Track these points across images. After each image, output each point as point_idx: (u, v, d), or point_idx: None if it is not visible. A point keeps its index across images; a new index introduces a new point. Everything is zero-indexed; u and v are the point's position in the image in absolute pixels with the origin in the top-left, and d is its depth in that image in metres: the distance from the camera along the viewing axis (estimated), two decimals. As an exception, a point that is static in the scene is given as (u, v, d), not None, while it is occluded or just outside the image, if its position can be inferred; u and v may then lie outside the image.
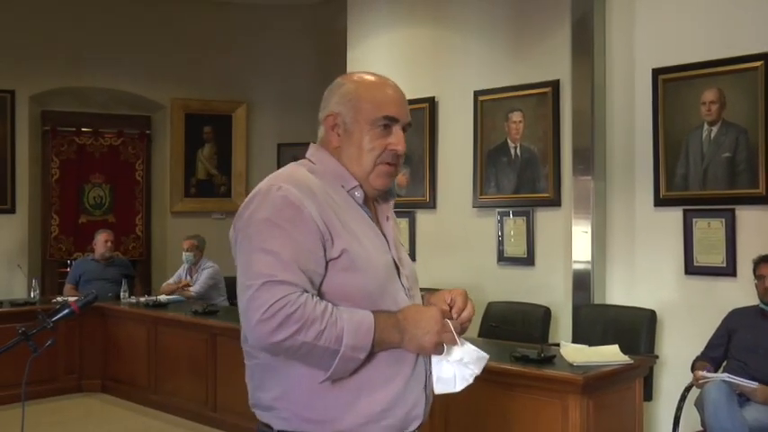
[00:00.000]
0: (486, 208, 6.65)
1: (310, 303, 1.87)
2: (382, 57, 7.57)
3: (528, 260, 6.38)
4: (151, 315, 7.10)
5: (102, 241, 8.08)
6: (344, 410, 1.96)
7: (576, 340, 5.39)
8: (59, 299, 7.48)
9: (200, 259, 7.93)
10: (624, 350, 4.53)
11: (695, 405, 4.62)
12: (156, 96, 9.54)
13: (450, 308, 2.08)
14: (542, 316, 5.85)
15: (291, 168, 2.12)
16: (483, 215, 6.68)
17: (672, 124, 5.55)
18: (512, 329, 5.55)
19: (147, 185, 9.77)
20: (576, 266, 5.92)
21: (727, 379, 4.44)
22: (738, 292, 5.10)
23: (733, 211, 5.27)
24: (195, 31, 9.57)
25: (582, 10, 5.96)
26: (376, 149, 2.09)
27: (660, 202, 5.61)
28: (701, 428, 4.58)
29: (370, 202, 2.18)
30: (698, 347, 4.93)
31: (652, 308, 5.45)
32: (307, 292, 1.90)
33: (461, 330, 2.07)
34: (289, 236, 1.92)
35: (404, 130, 2.14)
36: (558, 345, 4.83)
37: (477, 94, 6.71)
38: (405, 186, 7.02)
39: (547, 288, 6.19)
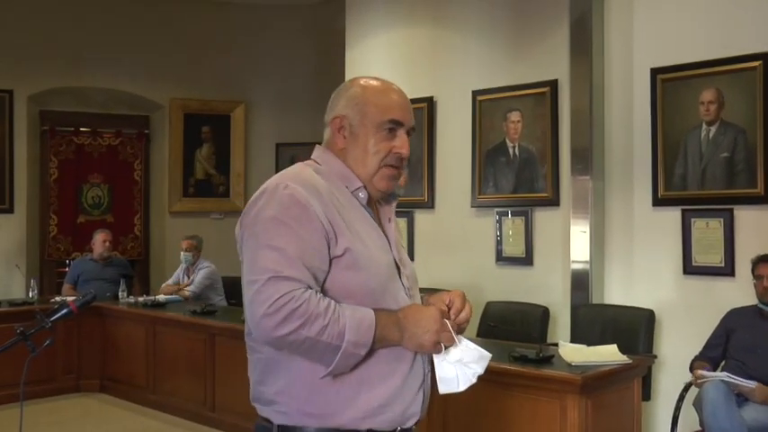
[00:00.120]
0: (485, 208, 6.65)
1: (314, 299, 1.92)
2: (381, 57, 7.57)
3: (526, 260, 6.38)
4: (149, 315, 7.10)
5: (100, 241, 8.08)
6: (344, 405, 2.01)
7: (574, 340, 5.39)
8: (58, 299, 7.47)
9: (197, 259, 7.92)
10: (622, 350, 4.53)
11: (693, 405, 4.62)
12: (154, 96, 9.54)
13: (449, 309, 2.10)
14: (541, 316, 5.86)
15: (298, 168, 2.16)
16: (481, 215, 6.68)
17: (670, 124, 5.55)
18: (510, 329, 5.55)
19: (146, 185, 9.76)
20: (575, 266, 5.92)
21: (727, 378, 4.44)
22: (737, 292, 5.10)
23: (731, 210, 5.27)
24: (194, 30, 9.57)
25: (580, 10, 5.96)
26: (381, 152, 2.14)
27: (658, 201, 5.61)
28: (699, 428, 4.59)
29: (373, 204, 2.22)
30: (696, 347, 4.93)
31: (650, 308, 5.45)
32: (311, 288, 1.94)
33: (458, 331, 2.09)
34: (295, 233, 1.96)
35: (408, 134, 2.19)
36: (556, 345, 4.84)
37: (475, 93, 6.71)
38: (403, 186, 7.01)
39: (545, 288, 6.19)
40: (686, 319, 5.43)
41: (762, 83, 5.13)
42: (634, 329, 5.35)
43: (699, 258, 5.41)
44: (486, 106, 6.65)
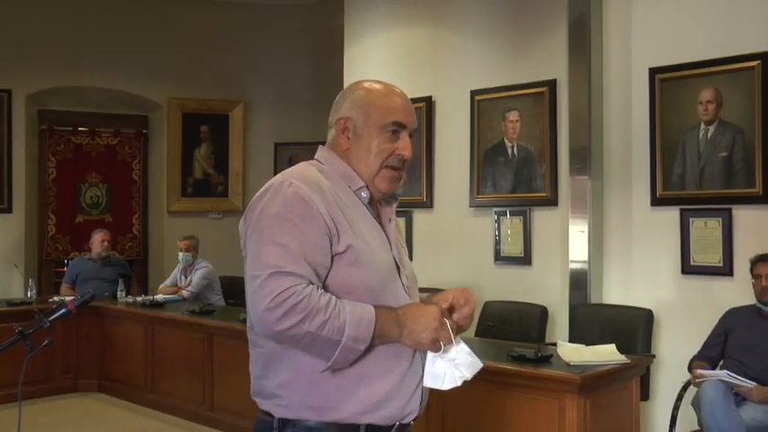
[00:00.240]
0: (483, 207, 6.65)
1: (315, 295, 1.95)
2: (379, 56, 7.58)
3: (525, 259, 6.38)
4: (148, 315, 7.10)
5: (98, 241, 8.07)
6: (344, 399, 2.04)
7: (572, 340, 5.39)
8: (56, 298, 7.48)
9: (195, 259, 7.92)
10: (621, 350, 4.53)
11: (692, 404, 4.63)
12: (152, 96, 9.54)
13: (452, 306, 2.15)
14: (539, 315, 5.86)
15: (302, 167, 2.19)
16: (480, 214, 6.68)
17: (669, 124, 5.56)
18: (509, 329, 5.55)
19: (144, 185, 9.76)
20: (573, 266, 5.92)
21: (726, 378, 4.44)
22: (735, 292, 5.11)
23: (730, 210, 5.27)
24: (192, 30, 9.56)
25: (579, 10, 5.96)
26: (384, 152, 2.20)
27: (657, 201, 5.61)
28: (697, 428, 4.59)
29: (375, 204, 2.27)
30: (695, 347, 4.93)
31: (649, 307, 5.45)
32: (312, 283, 1.98)
33: (462, 327, 2.16)
34: (298, 230, 2.00)
35: (410, 136, 2.25)
36: (554, 344, 4.84)
37: (473, 93, 6.71)
38: (402, 186, 7.00)
39: (544, 287, 6.19)
40: (684, 319, 5.43)
41: (760, 82, 5.13)
42: (632, 329, 5.35)
43: (697, 258, 5.41)
44: (484, 106, 6.65)
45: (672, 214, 5.54)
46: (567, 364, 4.30)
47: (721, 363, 4.80)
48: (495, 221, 6.54)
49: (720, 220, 5.30)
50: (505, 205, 6.50)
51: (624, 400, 4.51)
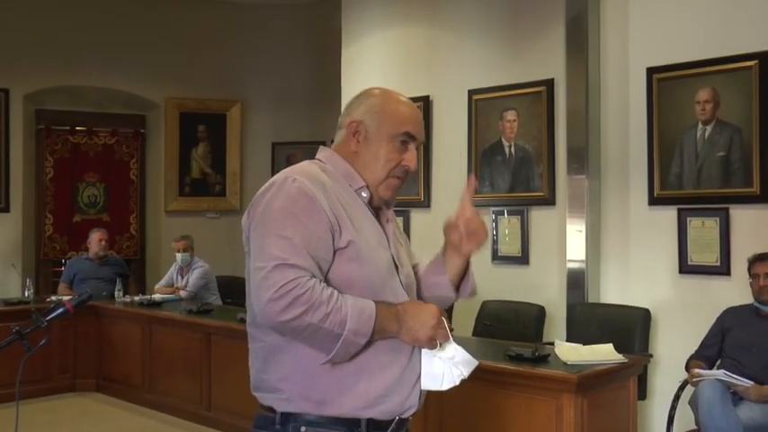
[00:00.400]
0: (481, 207, 6.60)
1: (318, 288, 1.99)
2: (377, 56, 7.58)
3: (522, 259, 6.39)
4: (145, 314, 7.09)
5: (96, 240, 8.07)
6: (345, 393, 2.08)
7: (570, 339, 5.39)
8: (54, 298, 7.47)
9: (192, 258, 7.92)
10: (618, 349, 4.53)
11: (689, 404, 4.63)
12: (150, 95, 9.53)
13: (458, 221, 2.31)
14: (537, 315, 5.85)
15: (304, 165, 2.23)
16: (478, 214, 6.66)
17: (666, 123, 5.56)
18: (506, 328, 5.55)
19: (142, 184, 9.76)
20: (571, 265, 5.92)
21: (724, 377, 4.45)
22: (732, 291, 5.11)
23: (727, 210, 5.27)
24: (190, 30, 9.56)
25: (576, 9, 5.96)
26: (392, 162, 2.24)
27: (654, 201, 5.62)
28: (695, 427, 4.59)
29: (373, 204, 2.30)
30: (692, 346, 4.93)
31: (646, 307, 5.45)
32: (315, 277, 2.02)
33: (480, 242, 2.35)
34: (302, 224, 2.04)
35: (416, 148, 2.30)
36: (552, 344, 4.84)
37: (471, 92, 6.72)
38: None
39: (541, 287, 6.20)
40: (682, 319, 5.44)
41: (757, 82, 5.14)
42: (630, 328, 5.35)
43: (694, 257, 5.42)
44: (482, 105, 6.65)
45: (669, 214, 5.55)
46: (565, 364, 4.30)
47: (718, 362, 4.81)
48: (493, 221, 6.54)
49: (718, 219, 5.30)
50: (503, 205, 6.50)
51: (621, 400, 4.52)
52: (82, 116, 9.39)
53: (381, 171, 2.24)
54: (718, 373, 4.51)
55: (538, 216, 6.33)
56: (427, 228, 6.99)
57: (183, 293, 7.67)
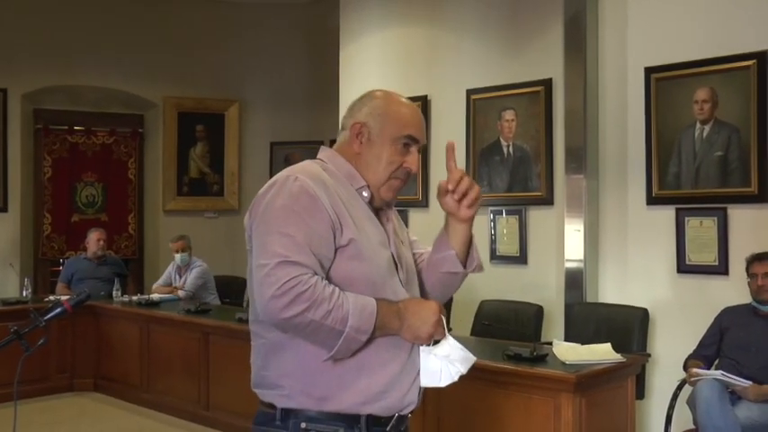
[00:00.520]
0: (479, 206, 6.63)
1: (320, 285, 2.01)
2: (375, 55, 7.57)
3: (520, 258, 6.39)
4: (143, 314, 7.09)
5: (94, 240, 8.07)
6: (345, 389, 2.10)
7: (568, 339, 5.39)
8: (52, 297, 7.46)
9: (190, 258, 7.92)
10: (616, 348, 4.54)
11: (687, 403, 4.63)
12: (148, 95, 9.52)
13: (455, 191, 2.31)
14: (535, 314, 5.85)
15: (306, 164, 2.25)
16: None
17: (664, 123, 5.56)
18: (504, 328, 5.55)
19: (140, 184, 9.76)
20: (569, 265, 5.92)
21: (721, 377, 4.45)
22: (730, 291, 5.11)
23: (725, 209, 5.28)
24: (188, 29, 9.55)
25: (574, 8, 5.97)
26: (394, 164, 2.27)
27: (652, 200, 5.62)
28: (693, 427, 4.59)
29: (374, 204, 2.33)
30: (690, 346, 4.94)
31: (644, 306, 5.45)
32: (317, 274, 2.04)
33: (472, 202, 2.36)
34: (304, 222, 2.06)
35: (418, 151, 2.34)
36: (550, 343, 4.84)
37: (469, 92, 6.72)
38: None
39: (539, 286, 6.20)
40: (680, 318, 5.44)
41: (755, 82, 5.14)
42: (628, 328, 5.35)
43: (693, 257, 5.42)
44: (480, 105, 6.65)
45: (667, 213, 5.55)
46: (563, 363, 4.31)
47: (717, 362, 4.81)
48: (491, 220, 6.55)
49: (716, 219, 5.30)
50: (501, 204, 6.50)
51: (620, 399, 4.52)
52: (80, 116, 9.39)
53: (383, 173, 2.27)
54: (716, 373, 4.51)
55: (536, 216, 6.34)
56: (426, 227, 6.95)
57: (181, 293, 7.67)
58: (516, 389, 4.28)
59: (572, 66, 5.98)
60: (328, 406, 2.09)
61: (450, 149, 2.30)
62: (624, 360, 4.45)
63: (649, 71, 5.63)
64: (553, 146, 6.19)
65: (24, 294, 7.71)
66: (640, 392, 5.11)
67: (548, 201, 6.22)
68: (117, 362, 7.32)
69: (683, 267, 5.47)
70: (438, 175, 6.91)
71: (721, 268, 5.28)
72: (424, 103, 7.01)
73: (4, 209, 8.72)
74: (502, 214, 6.50)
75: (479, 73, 6.71)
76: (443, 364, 2.16)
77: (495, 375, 4.29)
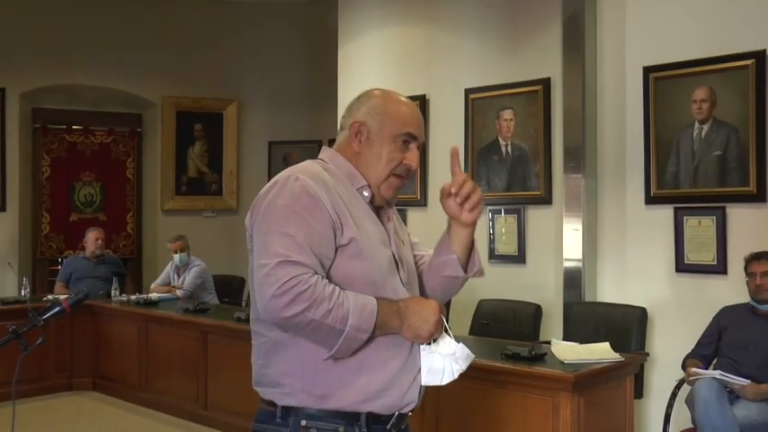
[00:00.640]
0: (482, 211, 6.63)
1: (320, 284, 2.02)
2: (373, 54, 7.57)
3: (519, 258, 6.39)
4: (142, 313, 7.09)
5: (92, 239, 8.06)
6: (345, 387, 2.11)
7: (566, 338, 5.40)
8: (50, 297, 7.46)
9: (189, 257, 7.91)
10: (615, 348, 4.54)
11: (686, 402, 4.63)
12: (146, 94, 9.53)
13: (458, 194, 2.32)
14: (533, 313, 5.85)
15: (306, 163, 2.27)
16: (474, 213, 6.66)
17: (663, 122, 5.56)
18: (503, 327, 5.56)
19: (138, 183, 9.76)
20: (567, 264, 5.92)
21: (719, 376, 4.45)
22: (729, 290, 5.12)
23: (724, 209, 5.28)
24: (186, 28, 9.55)
25: (573, 8, 5.97)
26: (393, 161, 2.28)
27: (651, 199, 5.62)
28: (691, 426, 4.60)
29: (375, 203, 2.33)
30: (689, 345, 4.94)
31: (643, 305, 5.46)
32: (318, 273, 2.05)
33: (474, 205, 2.36)
34: (305, 221, 2.07)
35: (417, 148, 2.34)
36: (549, 342, 4.84)
37: (468, 91, 6.72)
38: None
39: (538, 286, 6.20)
40: (679, 317, 5.44)
41: (754, 81, 5.14)
42: (626, 327, 5.36)
43: (691, 256, 5.42)
44: (478, 104, 6.65)
45: (666, 213, 5.55)
46: (562, 363, 4.31)
47: (715, 361, 4.81)
48: (490, 220, 6.55)
49: (714, 218, 5.31)
50: (500, 204, 6.50)
51: (618, 398, 4.52)
52: (78, 115, 9.38)
53: (383, 170, 2.27)
54: (715, 373, 4.51)
55: (534, 215, 6.34)
56: (424, 227, 6.97)
57: (179, 292, 7.68)
58: (515, 388, 4.28)
59: (570, 65, 5.98)
60: (328, 404, 2.10)
61: (454, 155, 2.31)
62: (623, 359, 4.45)
63: (648, 70, 5.63)
64: (552, 145, 6.19)
65: (23, 294, 7.71)
66: (639, 392, 5.11)
67: (546, 200, 6.22)
68: (115, 361, 7.32)
69: (682, 267, 5.47)
70: (437, 174, 6.94)
71: (720, 267, 5.28)
72: (422, 102, 7.01)
73: (3, 208, 8.73)
74: (500, 214, 6.50)
75: (478, 72, 6.71)
76: (447, 362, 2.17)
77: (493, 375, 4.29)
